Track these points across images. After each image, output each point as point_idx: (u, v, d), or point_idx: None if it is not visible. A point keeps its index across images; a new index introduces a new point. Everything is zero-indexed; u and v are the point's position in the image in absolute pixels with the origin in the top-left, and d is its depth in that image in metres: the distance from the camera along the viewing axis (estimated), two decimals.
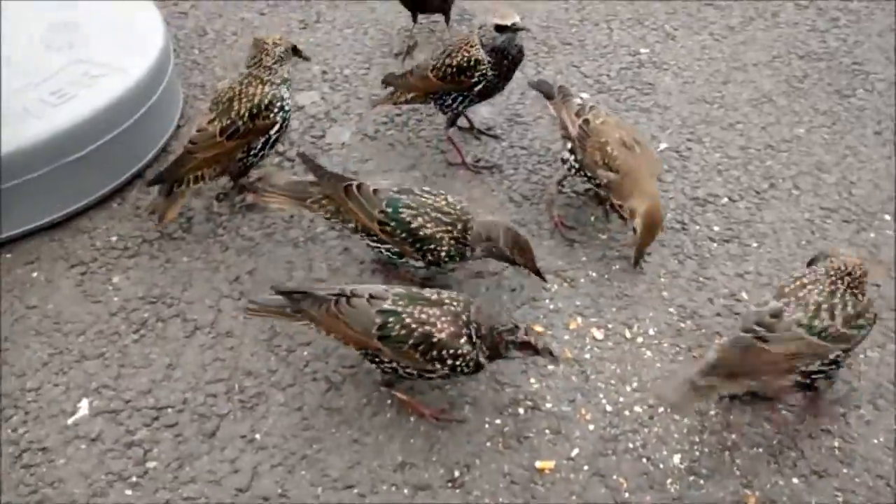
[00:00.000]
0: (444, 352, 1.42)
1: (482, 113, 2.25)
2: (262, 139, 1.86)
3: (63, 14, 2.18)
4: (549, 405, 1.57)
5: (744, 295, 1.77)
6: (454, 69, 1.90)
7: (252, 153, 1.87)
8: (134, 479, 1.46)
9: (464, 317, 1.44)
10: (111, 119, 1.96)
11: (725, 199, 1.99)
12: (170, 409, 1.58)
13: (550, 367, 1.63)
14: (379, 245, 1.68)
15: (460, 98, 1.97)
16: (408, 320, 1.42)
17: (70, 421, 1.54)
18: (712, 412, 1.56)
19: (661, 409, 1.57)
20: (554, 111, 1.93)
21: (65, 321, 1.72)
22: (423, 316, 1.43)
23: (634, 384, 1.60)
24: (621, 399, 1.58)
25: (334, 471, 1.47)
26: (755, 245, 1.88)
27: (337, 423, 1.55)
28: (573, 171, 1.83)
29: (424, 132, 2.20)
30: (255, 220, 1.95)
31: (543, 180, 2.04)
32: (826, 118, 2.23)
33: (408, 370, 1.46)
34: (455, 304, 1.45)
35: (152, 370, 1.65)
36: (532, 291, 1.77)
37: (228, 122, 1.80)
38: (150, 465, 1.48)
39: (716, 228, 1.92)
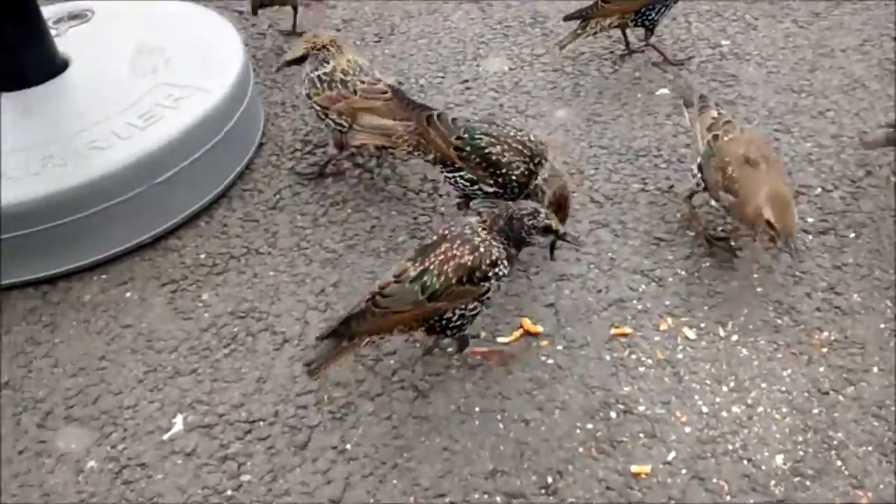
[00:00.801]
0: (482, 267, 1.47)
1: (559, 115, 2.23)
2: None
3: (147, 39, 2.26)
4: (641, 408, 1.52)
5: (843, 288, 1.68)
6: None
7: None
8: (229, 492, 1.48)
9: (467, 230, 1.49)
10: (196, 139, 2.02)
11: (819, 190, 1.91)
12: (262, 422, 1.60)
13: (641, 368, 1.59)
14: (454, 174, 1.77)
15: (664, 7, 2.21)
16: (437, 269, 1.46)
17: (166, 436, 1.58)
18: (815, 410, 1.49)
19: (760, 409, 1.50)
20: (689, 120, 1.85)
21: (158, 339, 1.77)
22: (442, 256, 1.47)
23: (731, 384, 1.54)
24: (718, 399, 1.52)
25: (425, 480, 1.46)
26: (853, 236, 1.79)
27: (426, 431, 1.54)
28: (700, 187, 1.75)
29: None
30: (337, 233, 1.97)
31: (625, 179, 2.00)
32: None
33: (470, 307, 1.50)
34: (454, 228, 1.51)
35: (243, 384, 1.67)
36: (619, 292, 1.73)
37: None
38: (245, 478, 1.50)
39: (810, 220, 1.84)
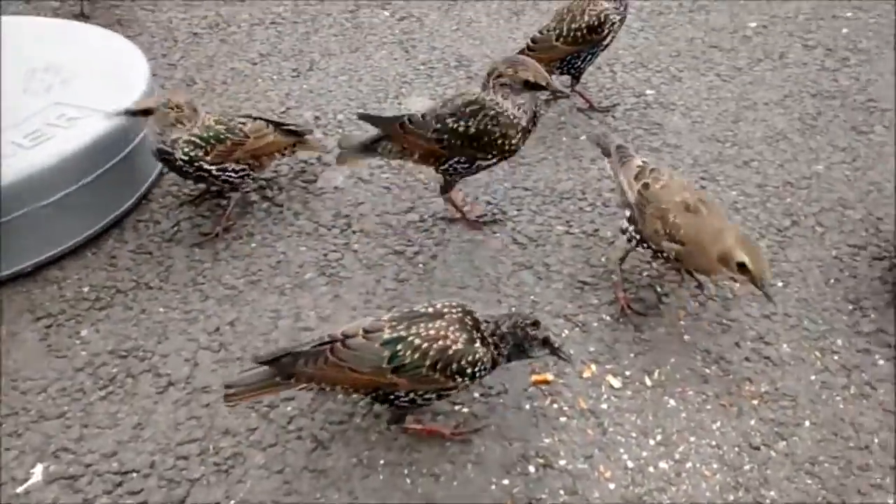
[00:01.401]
0: (462, 361, 1.30)
1: None
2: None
3: (45, 57, 2.09)
4: (563, 462, 1.39)
5: (772, 338, 1.60)
6: (584, 30, 2.10)
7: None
8: None
9: (468, 320, 1.33)
10: (88, 162, 1.85)
11: None
12: (135, 474, 1.41)
13: (563, 419, 1.46)
14: (448, 164, 1.75)
15: (590, 56, 2.16)
16: (417, 342, 1.30)
17: (21, 489, 1.37)
18: (746, 466, 1.38)
19: (689, 465, 1.39)
20: (611, 171, 1.75)
21: (25, 378, 1.56)
22: (432, 332, 1.30)
23: (658, 437, 1.43)
24: (644, 454, 1.40)
25: None
26: (780, 285, 1.72)
27: (323, 486, 1.37)
28: (634, 242, 1.62)
29: (422, 174, 2.07)
30: (238, 268, 1.81)
31: (549, 221, 1.91)
32: (845, 154, 2.11)
33: (426, 396, 1.33)
34: (454, 311, 1.34)
35: (118, 430, 1.48)
36: None
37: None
38: None
39: None
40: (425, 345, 1.29)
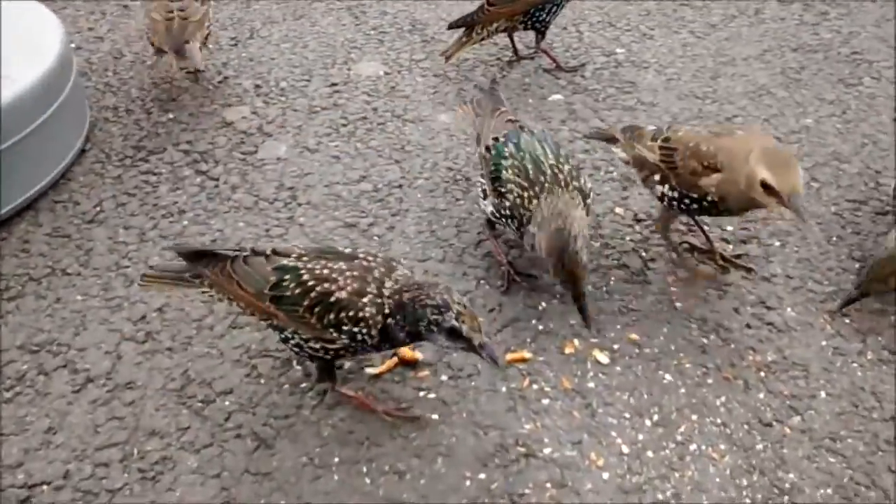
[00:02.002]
0: (342, 314, 1.12)
1: (442, 119, 1.93)
2: None
3: None
4: (547, 450, 1.20)
5: (775, 302, 1.42)
6: None
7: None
8: None
9: (376, 273, 1.14)
10: None
11: None
12: (45, 487, 1.18)
13: (545, 401, 1.26)
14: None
15: (555, 7, 1.99)
16: (305, 276, 1.14)
17: None
18: (759, 445, 1.20)
19: (693, 447, 1.20)
20: (625, 154, 1.51)
21: None
22: (325, 271, 1.14)
23: (655, 417, 1.24)
24: (641, 437, 1.21)
25: None
26: (778, 244, 1.55)
27: (268, 491, 1.16)
28: (675, 203, 1.40)
29: (375, 141, 1.86)
30: (168, 249, 1.58)
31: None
32: (834, 107, 1.95)
33: (310, 343, 1.16)
34: (370, 259, 1.16)
35: (26, 437, 1.25)
36: (514, 311, 1.41)
37: None
38: None
39: (729, 227, 1.59)
40: (311, 282, 1.13)
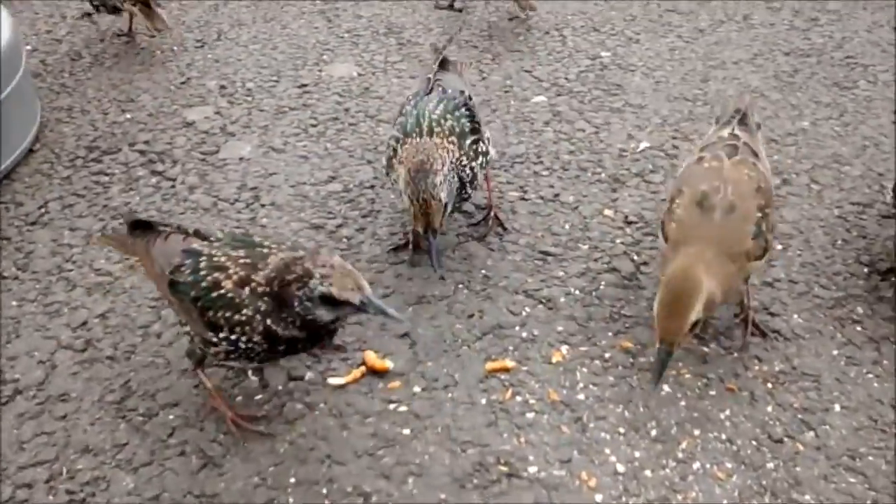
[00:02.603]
0: (220, 314, 1.00)
1: None
2: None
3: None
4: (532, 469, 1.06)
5: (779, 308, 1.30)
6: None
7: None
8: None
9: (269, 262, 1.01)
10: None
11: None
12: None
13: (530, 414, 1.13)
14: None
15: None
16: (203, 264, 1.02)
17: None
18: (769, 464, 1.07)
19: (696, 465, 1.06)
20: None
21: None
22: (223, 259, 1.02)
23: (653, 432, 1.11)
24: (637, 454, 1.08)
25: None
26: (780, 248, 1.43)
27: None
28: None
29: (346, 142, 1.74)
30: (115, 252, 1.44)
31: (500, 187, 1.59)
32: (831, 110, 1.85)
33: (195, 337, 1.05)
34: (272, 248, 1.04)
35: None
36: (496, 317, 1.28)
37: None
38: None
39: None
40: (204, 271, 1.02)
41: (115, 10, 2.13)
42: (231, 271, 1.01)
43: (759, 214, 1.13)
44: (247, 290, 0.99)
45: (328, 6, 2.41)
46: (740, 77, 2.00)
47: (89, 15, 2.33)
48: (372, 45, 2.17)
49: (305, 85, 1.98)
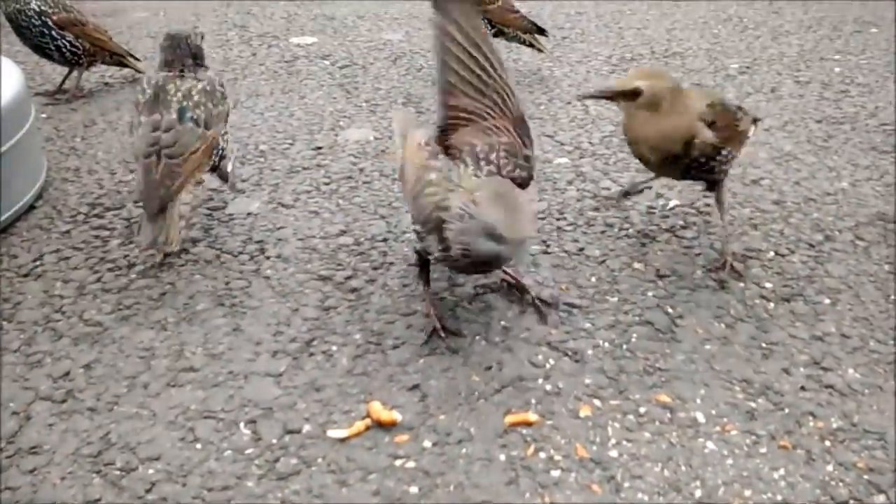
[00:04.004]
0: None
1: None
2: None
3: None
4: None
5: (832, 363, 1.17)
6: None
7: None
8: None
9: None
10: None
11: (772, 254, 1.44)
12: None
13: (555, 472, 0.99)
14: None
15: None
16: None
17: None
18: None
19: None
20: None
21: None
22: None
23: (698, 492, 0.96)
24: None
25: None
26: (828, 302, 1.31)
27: None
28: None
29: (359, 198, 1.66)
30: (108, 302, 1.35)
31: None
32: (871, 172, 1.75)
33: None
34: None
35: None
36: (517, 369, 1.16)
37: None
38: None
39: (768, 285, 1.35)
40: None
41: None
42: None
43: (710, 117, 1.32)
44: None
45: (347, 80, 2.39)
46: (772, 142, 1.92)
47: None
48: (390, 113, 2.12)
49: (320, 147, 1.92)
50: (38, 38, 2.16)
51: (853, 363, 1.17)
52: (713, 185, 1.40)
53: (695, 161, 1.32)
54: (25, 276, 1.45)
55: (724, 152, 1.34)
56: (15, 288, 1.41)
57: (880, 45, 2.60)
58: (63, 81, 2.31)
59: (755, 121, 1.48)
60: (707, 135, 1.30)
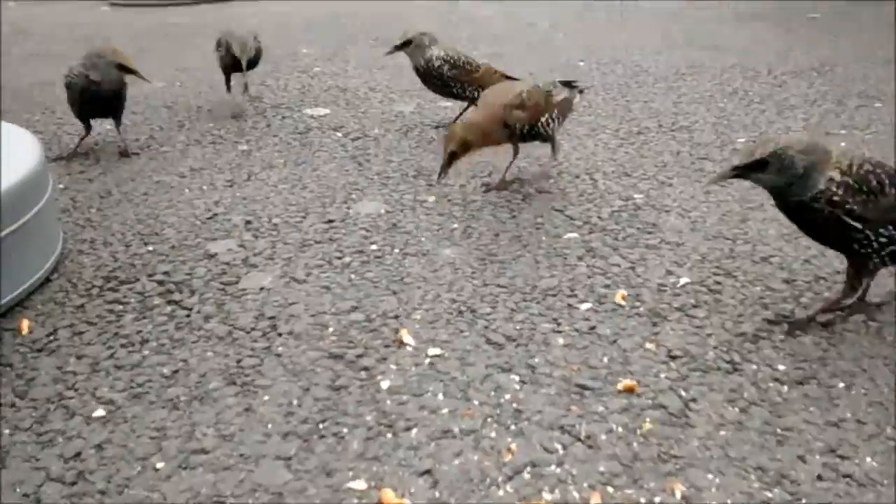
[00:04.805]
0: None
1: (445, 253, 1.75)
2: None
3: None
4: None
5: (848, 451, 1.16)
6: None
7: None
8: None
9: None
10: None
11: (783, 335, 1.44)
12: None
13: None
14: None
15: None
16: None
17: None
18: None
19: None
20: None
21: None
22: None
23: None
24: None
25: None
26: (842, 386, 1.30)
27: None
28: None
29: (371, 273, 1.67)
30: (121, 380, 1.35)
31: (532, 319, 1.50)
32: None
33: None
34: None
35: None
36: (529, 454, 1.15)
37: None
38: None
39: (781, 367, 1.35)
40: None
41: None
42: None
43: (524, 90, 1.98)
44: None
45: (360, 152, 2.43)
46: (781, 219, 1.92)
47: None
48: (401, 186, 2.15)
49: (332, 220, 1.94)
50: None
51: (870, 451, 1.16)
52: (545, 140, 2.06)
53: (520, 131, 1.98)
54: (39, 350, 1.46)
55: (542, 120, 1.99)
56: (28, 363, 1.42)
57: (885, 120, 2.63)
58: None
59: (581, 91, 2.20)
60: (518, 115, 1.94)
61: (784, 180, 1.33)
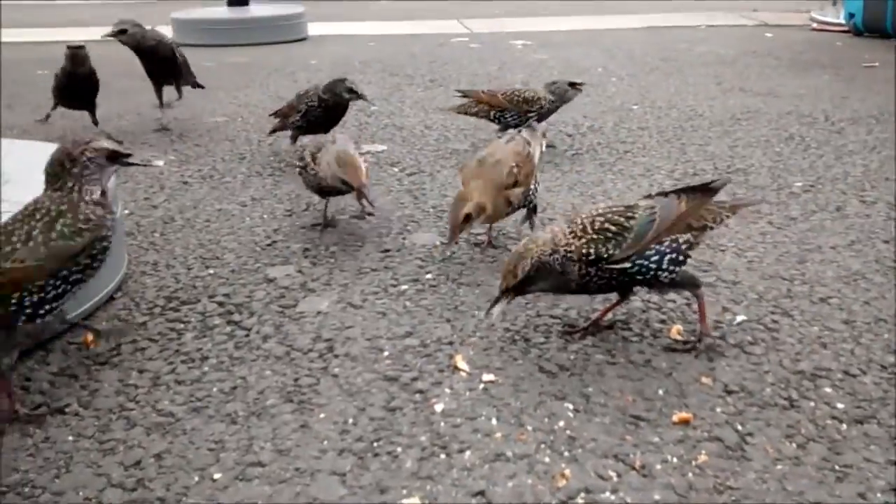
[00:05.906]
0: None
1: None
2: None
3: None
4: None
5: None
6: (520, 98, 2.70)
7: None
8: None
9: None
10: None
11: (841, 374, 1.42)
12: None
13: None
14: None
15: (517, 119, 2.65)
16: None
17: None
18: None
19: None
20: None
21: None
22: None
23: None
24: None
25: None
26: None
27: None
28: None
29: (426, 301, 1.69)
30: (181, 394, 1.39)
31: (586, 349, 1.50)
32: None
33: None
34: None
35: None
36: (583, 481, 1.15)
37: None
38: None
39: (840, 406, 1.33)
40: None
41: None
42: None
43: (514, 164, 1.83)
44: None
45: (415, 187, 2.46)
46: (839, 261, 1.91)
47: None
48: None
49: (388, 250, 1.97)
50: None
51: None
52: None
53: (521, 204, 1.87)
54: (103, 364, 1.50)
55: (532, 186, 1.89)
56: (92, 375, 1.46)
57: None
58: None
59: (544, 135, 2.05)
60: (516, 193, 1.83)
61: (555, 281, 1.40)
